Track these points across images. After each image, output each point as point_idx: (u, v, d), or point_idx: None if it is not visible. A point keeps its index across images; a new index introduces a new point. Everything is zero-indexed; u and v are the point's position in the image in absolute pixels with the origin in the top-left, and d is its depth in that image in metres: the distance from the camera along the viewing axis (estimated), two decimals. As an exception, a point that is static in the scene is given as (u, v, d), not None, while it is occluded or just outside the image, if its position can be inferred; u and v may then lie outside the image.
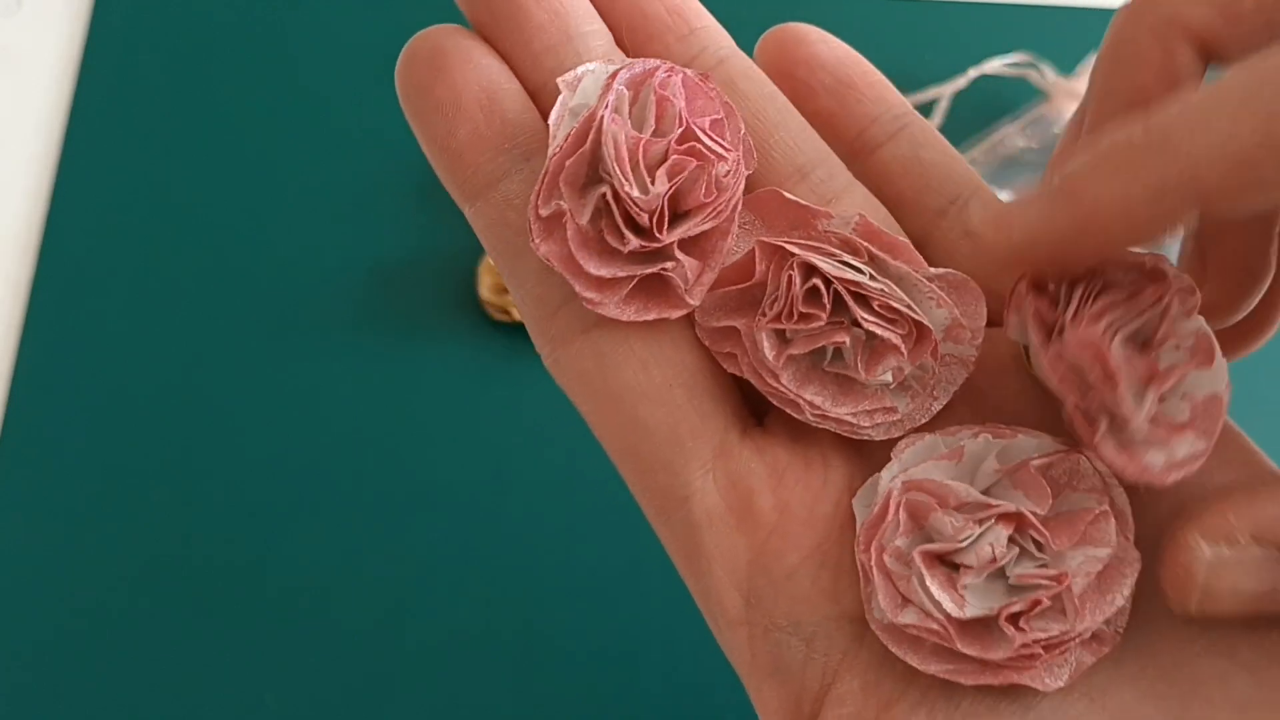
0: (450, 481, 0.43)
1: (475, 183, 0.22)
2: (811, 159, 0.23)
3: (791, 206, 0.21)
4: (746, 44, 0.24)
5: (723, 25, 0.24)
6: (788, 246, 0.21)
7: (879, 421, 0.21)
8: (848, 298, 0.20)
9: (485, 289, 0.45)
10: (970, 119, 0.49)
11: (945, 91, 0.49)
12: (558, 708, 0.40)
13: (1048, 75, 0.48)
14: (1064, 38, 0.50)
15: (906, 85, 0.49)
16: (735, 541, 0.21)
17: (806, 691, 0.20)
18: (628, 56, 0.23)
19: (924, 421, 0.21)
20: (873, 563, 0.20)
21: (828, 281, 0.21)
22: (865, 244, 0.21)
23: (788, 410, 0.21)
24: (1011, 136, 0.47)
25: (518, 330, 0.45)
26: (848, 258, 0.21)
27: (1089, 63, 0.47)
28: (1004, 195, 0.47)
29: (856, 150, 0.23)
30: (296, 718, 0.40)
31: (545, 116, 0.22)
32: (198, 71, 0.50)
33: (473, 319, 0.45)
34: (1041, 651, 0.19)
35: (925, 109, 0.49)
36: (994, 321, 0.22)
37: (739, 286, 0.21)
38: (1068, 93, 0.47)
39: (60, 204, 0.47)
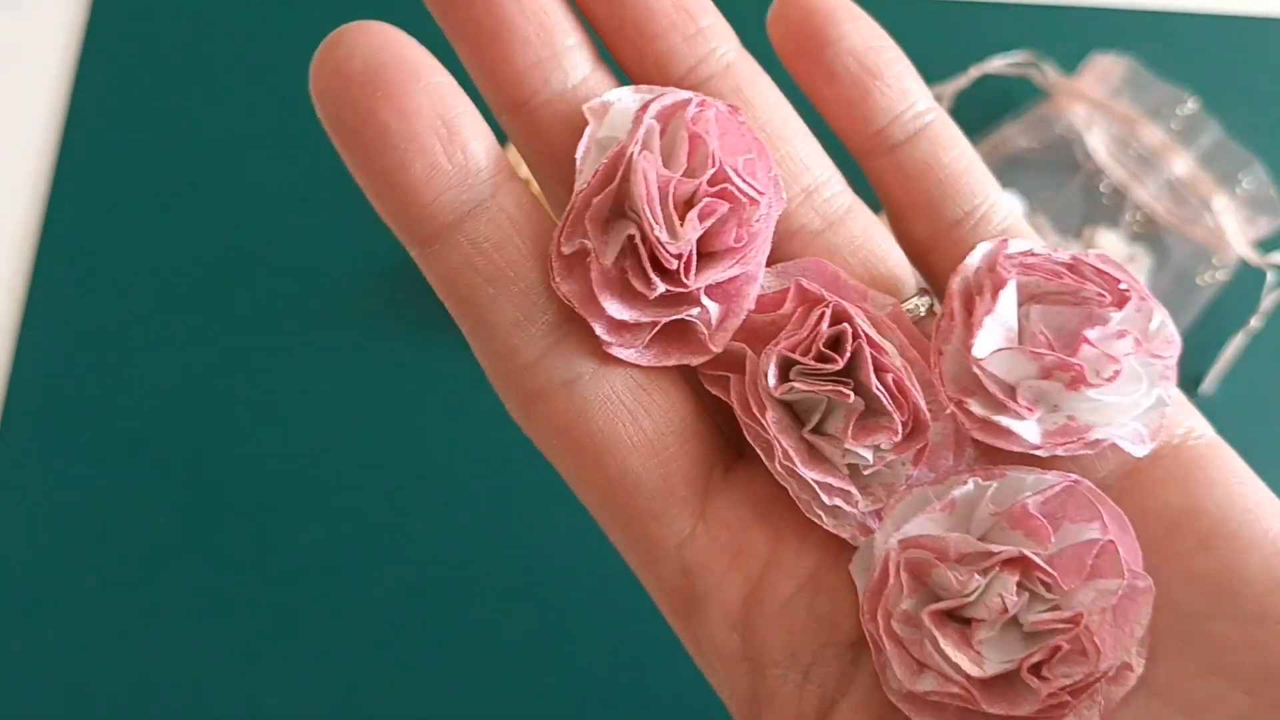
0: (452, 480, 0.43)
1: (433, 224, 0.20)
2: (818, 179, 0.22)
3: (841, 285, 0.21)
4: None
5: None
6: (827, 296, 0.20)
7: (834, 503, 0.20)
8: (868, 358, 0.20)
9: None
10: (972, 118, 0.48)
11: (947, 90, 0.48)
12: (562, 707, 0.40)
13: (1050, 74, 0.48)
14: (1066, 36, 0.50)
15: (908, 84, 0.49)
16: (730, 580, 0.20)
17: None
18: (626, 55, 0.21)
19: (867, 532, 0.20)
20: (881, 631, 0.19)
21: (855, 336, 0.20)
22: (895, 329, 0.20)
23: (759, 450, 0.20)
24: (1014, 136, 0.47)
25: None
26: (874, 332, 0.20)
27: (1091, 61, 0.47)
28: (1006, 195, 0.46)
29: (873, 146, 0.22)
30: (294, 716, 0.40)
31: (526, 139, 0.21)
32: (196, 69, 0.50)
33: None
34: (1069, 698, 0.19)
35: (926, 108, 0.49)
36: None
37: (760, 315, 0.21)
38: (1070, 92, 0.47)
39: (58, 201, 0.47)
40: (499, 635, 0.41)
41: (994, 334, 0.20)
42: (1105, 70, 0.47)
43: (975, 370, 0.20)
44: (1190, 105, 0.46)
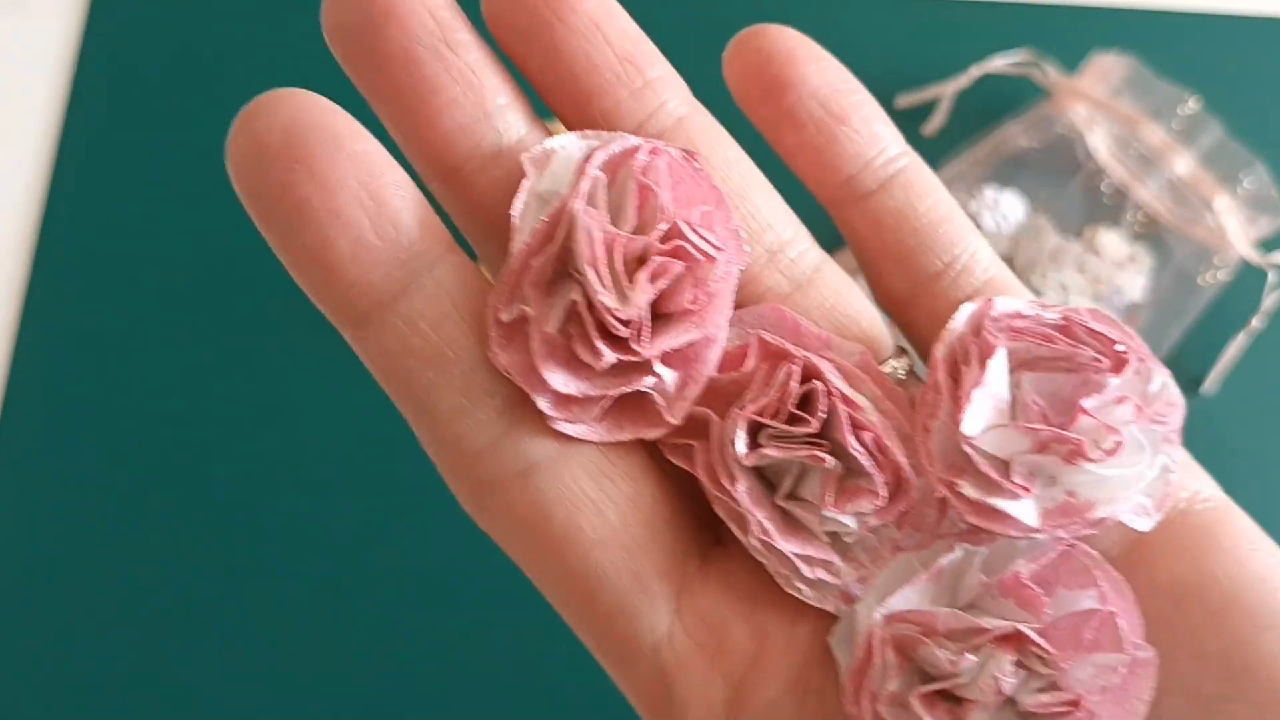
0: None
1: (363, 304, 0.18)
2: (781, 237, 0.20)
3: (803, 335, 0.19)
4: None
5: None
6: (792, 350, 0.19)
7: (817, 576, 0.18)
8: (843, 416, 0.18)
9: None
10: (973, 117, 0.48)
11: (947, 90, 0.48)
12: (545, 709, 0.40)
13: (1050, 73, 0.47)
14: (1067, 35, 0.50)
15: (909, 83, 0.49)
16: (711, 682, 0.18)
17: None
18: (568, 113, 0.19)
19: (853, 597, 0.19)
20: (867, 716, 0.18)
21: (828, 393, 0.18)
22: (867, 379, 0.19)
23: (732, 525, 0.19)
24: (1014, 135, 0.47)
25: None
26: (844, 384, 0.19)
27: (1092, 61, 0.47)
28: (1007, 194, 0.46)
29: (843, 195, 0.20)
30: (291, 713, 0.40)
31: (460, 208, 0.19)
32: (194, 69, 0.50)
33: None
34: None
35: (927, 108, 0.49)
36: None
37: (723, 376, 0.19)
38: (1071, 91, 0.47)
39: (56, 202, 0.47)
40: (492, 641, 0.41)
41: (984, 408, 0.18)
42: (1106, 70, 0.47)
43: (965, 448, 0.18)
44: (1191, 105, 0.46)
